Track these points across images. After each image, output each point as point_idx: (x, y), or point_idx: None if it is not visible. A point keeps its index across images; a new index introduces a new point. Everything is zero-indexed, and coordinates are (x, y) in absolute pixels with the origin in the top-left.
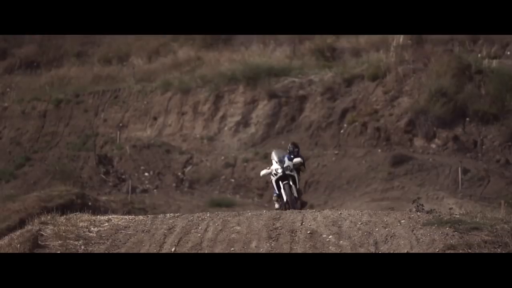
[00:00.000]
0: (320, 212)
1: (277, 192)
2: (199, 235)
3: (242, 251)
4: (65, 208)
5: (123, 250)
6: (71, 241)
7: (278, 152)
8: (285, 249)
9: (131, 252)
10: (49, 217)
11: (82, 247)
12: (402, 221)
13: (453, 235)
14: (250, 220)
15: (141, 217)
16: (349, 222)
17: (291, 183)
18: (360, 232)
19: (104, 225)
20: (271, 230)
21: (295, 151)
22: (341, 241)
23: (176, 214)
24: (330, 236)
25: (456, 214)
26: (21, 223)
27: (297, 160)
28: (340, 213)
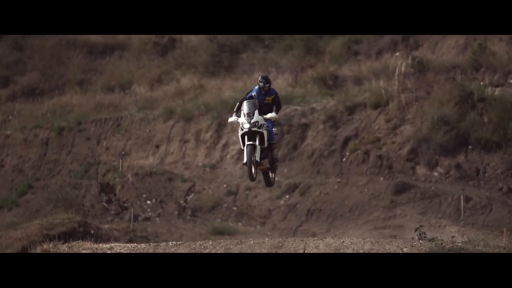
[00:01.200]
0: (322, 240)
1: (242, 147)
2: None
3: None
4: (67, 236)
5: None
6: None
7: (250, 103)
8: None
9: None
10: (51, 245)
11: None
12: (404, 249)
13: None
14: (252, 248)
15: (143, 245)
16: (351, 251)
17: (257, 142)
18: None
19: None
20: None
21: (266, 87)
22: None
23: (178, 242)
24: None
25: (458, 242)
26: (23, 251)
27: (271, 115)
28: (343, 241)
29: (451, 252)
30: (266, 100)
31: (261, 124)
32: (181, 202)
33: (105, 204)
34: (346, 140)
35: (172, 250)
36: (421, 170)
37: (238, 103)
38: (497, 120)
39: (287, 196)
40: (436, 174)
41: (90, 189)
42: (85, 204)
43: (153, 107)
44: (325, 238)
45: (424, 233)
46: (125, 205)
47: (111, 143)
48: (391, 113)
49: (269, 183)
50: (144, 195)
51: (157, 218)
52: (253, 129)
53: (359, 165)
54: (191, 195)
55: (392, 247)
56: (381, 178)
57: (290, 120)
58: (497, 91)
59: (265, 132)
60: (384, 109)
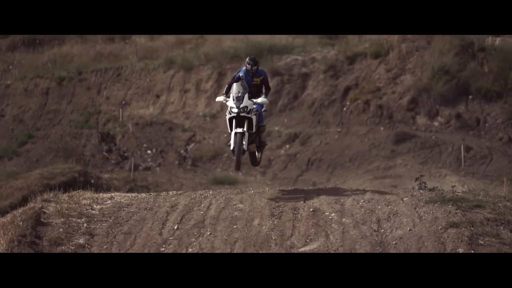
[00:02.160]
0: (323, 190)
1: (229, 131)
2: (202, 212)
3: (245, 229)
4: (68, 185)
5: (125, 228)
6: (74, 219)
7: (240, 86)
8: (288, 227)
9: (133, 229)
10: (51, 194)
11: (85, 225)
12: (404, 198)
13: (456, 212)
14: (252, 197)
15: (143, 194)
16: (352, 200)
17: (245, 128)
18: (362, 209)
19: (107, 202)
20: (273, 208)
21: (253, 69)
22: (343, 219)
23: (178, 192)
24: (332, 214)
25: (458, 192)
26: (24, 201)
27: (262, 100)
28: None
29: (451, 200)
30: (254, 81)
31: (250, 109)
32: (182, 151)
33: (105, 153)
34: (347, 90)
35: (173, 200)
36: (421, 119)
37: (227, 85)
38: (497, 70)
39: (287, 146)
40: (436, 124)
41: (90, 138)
42: (86, 153)
43: (153, 57)
44: (326, 187)
45: (425, 182)
46: (126, 154)
47: (112, 92)
48: (392, 62)
49: (255, 162)
50: (145, 145)
51: (157, 168)
52: (242, 114)
53: (359, 115)
54: (192, 145)
55: (392, 197)
56: (381, 128)
57: (291, 70)
58: (498, 41)
59: (254, 117)
60: (385, 59)
